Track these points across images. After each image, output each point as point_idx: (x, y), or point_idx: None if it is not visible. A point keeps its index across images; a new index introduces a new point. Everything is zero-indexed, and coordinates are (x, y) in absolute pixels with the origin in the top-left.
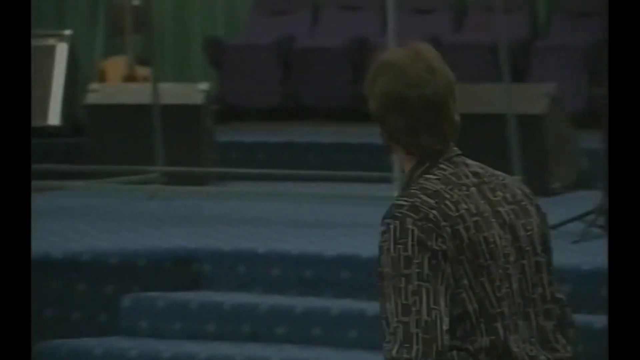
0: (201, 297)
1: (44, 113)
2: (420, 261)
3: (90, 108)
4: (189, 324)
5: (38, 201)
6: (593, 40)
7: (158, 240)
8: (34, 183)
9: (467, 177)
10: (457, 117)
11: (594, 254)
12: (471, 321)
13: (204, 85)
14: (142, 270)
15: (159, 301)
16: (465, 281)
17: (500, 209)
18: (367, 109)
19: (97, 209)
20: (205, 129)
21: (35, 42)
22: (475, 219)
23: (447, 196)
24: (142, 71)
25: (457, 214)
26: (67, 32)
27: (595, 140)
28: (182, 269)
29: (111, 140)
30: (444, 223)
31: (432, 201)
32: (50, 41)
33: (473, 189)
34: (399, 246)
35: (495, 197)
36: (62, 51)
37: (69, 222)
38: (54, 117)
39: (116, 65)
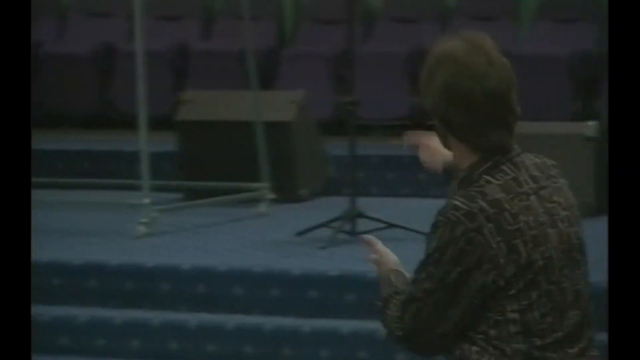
0: None
1: None
2: (449, 270)
3: None
4: None
5: None
6: (339, 49)
7: None
8: None
9: (527, 183)
10: (518, 109)
11: (340, 260)
12: (510, 329)
13: None
14: None
15: None
16: (513, 291)
17: (556, 217)
18: (116, 116)
19: None
20: None
21: None
22: (533, 232)
23: (507, 207)
24: None
25: (515, 227)
26: None
27: (341, 147)
28: None
29: None
30: (498, 239)
31: (490, 211)
32: None
33: (533, 197)
34: (440, 248)
35: (552, 203)
36: None
37: None
38: None
39: None
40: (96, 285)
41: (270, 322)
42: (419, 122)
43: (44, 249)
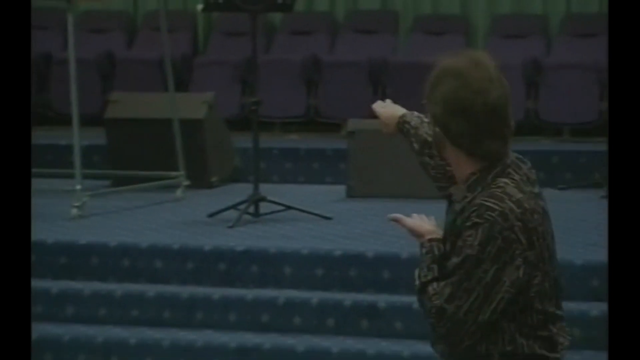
0: None
1: None
2: (487, 268)
3: None
4: None
5: None
6: (244, 57)
7: None
8: None
9: (528, 183)
10: (513, 123)
11: (245, 237)
12: (534, 316)
13: None
14: None
15: None
16: (535, 281)
17: (547, 213)
18: (52, 114)
19: None
20: None
21: None
22: (541, 228)
23: (527, 206)
24: None
25: (532, 225)
26: None
27: (246, 141)
28: None
29: None
30: (521, 237)
31: (517, 210)
32: None
33: (535, 195)
34: (479, 247)
35: (541, 201)
36: None
37: None
38: None
39: None
40: (34, 260)
41: (185, 290)
42: (311, 119)
43: None
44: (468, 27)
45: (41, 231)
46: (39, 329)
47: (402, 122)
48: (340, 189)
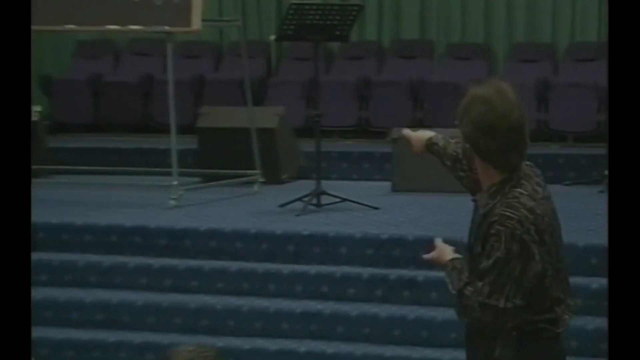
0: (36, 256)
1: None
2: (514, 265)
3: None
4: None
5: None
6: (308, 77)
7: None
8: None
9: (538, 192)
10: (529, 140)
11: (309, 224)
12: (545, 300)
13: (38, 108)
14: None
15: None
16: (549, 273)
17: (555, 213)
18: (154, 124)
19: None
20: (39, 138)
21: None
22: (550, 228)
23: (538, 212)
24: None
25: (543, 227)
26: None
27: (309, 146)
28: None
29: None
30: (536, 237)
31: (531, 217)
32: None
33: (544, 201)
34: (505, 250)
35: (551, 201)
36: None
37: None
38: None
39: None
40: (140, 241)
41: (261, 267)
42: (363, 128)
43: (107, 216)
44: (490, 53)
45: (145, 218)
46: (167, 298)
47: (430, 144)
48: (386, 185)
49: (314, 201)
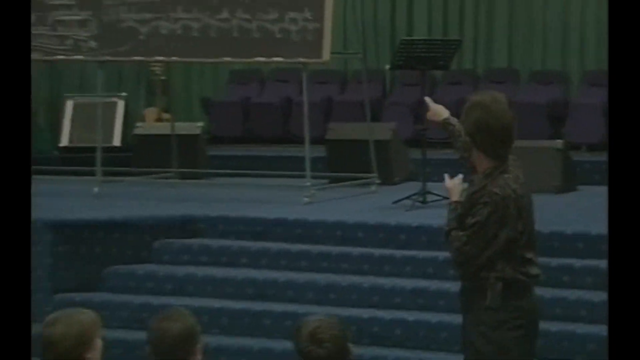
0: (198, 242)
1: (111, 137)
2: (489, 229)
3: (137, 136)
4: (191, 257)
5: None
6: (416, 99)
7: (175, 210)
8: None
9: (520, 178)
10: (515, 136)
11: (417, 217)
12: (518, 258)
13: (200, 124)
14: (166, 227)
15: (176, 244)
16: (522, 241)
17: (529, 193)
18: (292, 137)
19: (151, 192)
20: (201, 148)
21: (104, 100)
22: (528, 206)
23: (519, 193)
24: (166, 116)
25: (522, 204)
26: (124, 94)
27: (417, 154)
28: (187, 225)
29: (149, 153)
30: (514, 212)
31: (513, 196)
32: (114, 99)
33: (524, 185)
34: (486, 216)
35: (526, 185)
36: (121, 105)
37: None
38: (117, 140)
39: (151, 113)
40: (280, 231)
41: (378, 251)
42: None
43: (255, 210)
44: (565, 78)
45: (284, 212)
46: (303, 276)
47: (446, 123)
48: None
49: (421, 199)
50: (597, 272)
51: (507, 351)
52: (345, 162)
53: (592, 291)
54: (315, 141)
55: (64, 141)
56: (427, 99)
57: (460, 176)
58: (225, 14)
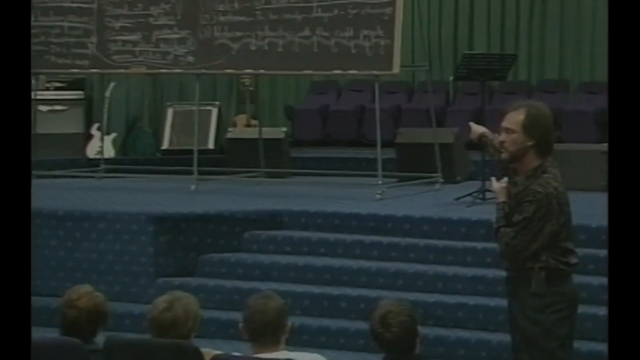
0: (282, 233)
1: (206, 141)
2: (535, 224)
3: (229, 140)
4: (276, 247)
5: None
6: (476, 107)
7: (262, 205)
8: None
9: (558, 176)
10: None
11: (477, 212)
12: (560, 249)
13: (284, 129)
14: (254, 219)
15: (263, 235)
16: (564, 235)
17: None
18: (365, 141)
19: (241, 191)
20: (285, 150)
21: (200, 108)
22: (567, 202)
23: (561, 190)
24: (254, 122)
25: (563, 200)
26: (217, 102)
27: (476, 156)
28: (272, 218)
29: (239, 155)
30: (557, 207)
31: (554, 193)
32: (208, 107)
33: (562, 182)
34: (532, 212)
35: (565, 186)
36: (215, 112)
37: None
38: (211, 143)
39: (241, 119)
40: (355, 224)
41: (442, 243)
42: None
43: (332, 205)
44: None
45: (358, 207)
46: (374, 264)
47: (482, 135)
48: None
49: (480, 196)
50: (598, 260)
51: (551, 332)
52: (412, 163)
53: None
54: (385, 144)
55: (165, 144)
56: (471, 123)
57: (506, 179)
58: (306, 32)
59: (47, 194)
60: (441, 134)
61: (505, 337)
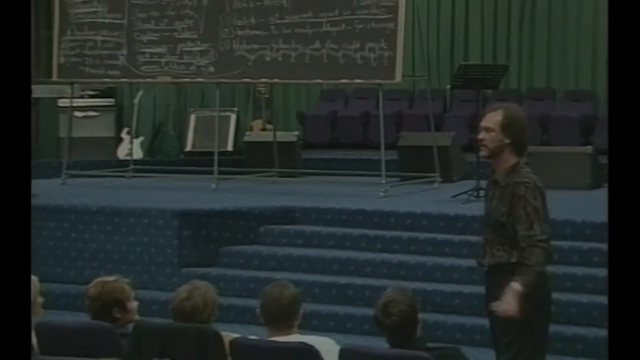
0: (295, 228)
1: (225, 144)
2: (539, 208)
3: (246, 143)
4: (289, 240)
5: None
6: (471, 113)
7: (276, 202)
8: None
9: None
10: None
11: (472, 208)
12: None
13: (296, 132)
14: (269, 215)
15: (277, 229)
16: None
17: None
18: (370, 143)
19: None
20: (297, 152)
21: (220, 113)
22: (543, 192)
23: (539, 185)
24: (269, 126)
25: (542, 191)
26: (236, 109)
27: (472, 157)
28: (285, 214)
29: (255, 156)
30: (541, 194)
31: (538, 185)
32: (228, 113)
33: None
34: (533, 201)
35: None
36: (233, 118)
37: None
38: (230, 146)
39: (257, 124)
40: (361, 219)
41: (440, 236)
42: None
43: (339, 202)
44: (595, 96)
45: (364, 204)
46: (379, 256)
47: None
48: None
49: (475, 194)
50: (601, 254)
51: (545, 312)
52: (413, 164)
53: (596, 268)
54: (388, 147)
55: (188, 147)
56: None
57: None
58: (317, 45)
59: (82, 192)
60: (439, 137)
61: None
